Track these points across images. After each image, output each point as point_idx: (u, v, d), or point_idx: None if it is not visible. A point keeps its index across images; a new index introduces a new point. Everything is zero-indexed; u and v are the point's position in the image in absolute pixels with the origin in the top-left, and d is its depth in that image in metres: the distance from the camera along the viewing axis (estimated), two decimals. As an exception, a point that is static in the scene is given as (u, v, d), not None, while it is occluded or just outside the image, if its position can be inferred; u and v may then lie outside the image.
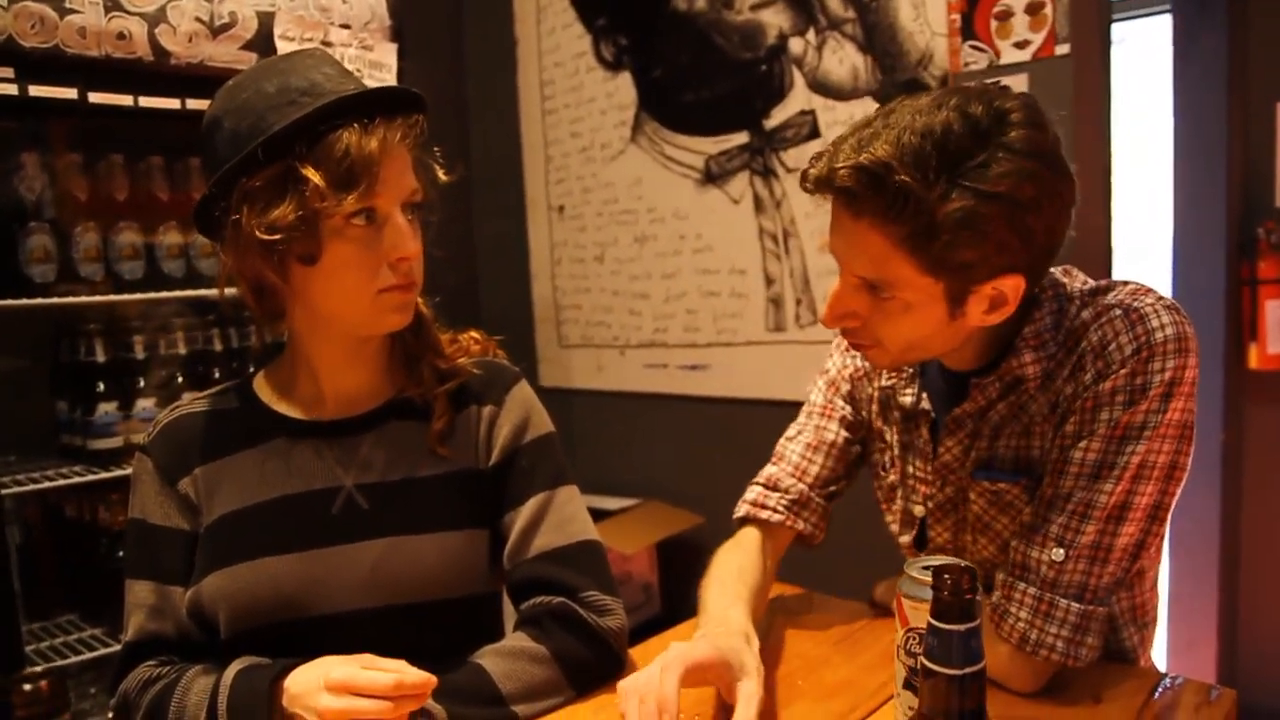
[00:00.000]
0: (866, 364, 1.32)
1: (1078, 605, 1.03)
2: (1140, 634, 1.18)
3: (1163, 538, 1.13)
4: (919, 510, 1.24)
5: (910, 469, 1.25)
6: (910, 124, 0.95)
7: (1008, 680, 1.05)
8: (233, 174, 1.04)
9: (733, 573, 1.22)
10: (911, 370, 1.24)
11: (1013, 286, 1.01)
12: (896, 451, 1.27)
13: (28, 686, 0.62)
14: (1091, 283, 1.14)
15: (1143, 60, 2.71)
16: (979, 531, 1.18)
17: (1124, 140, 2.35)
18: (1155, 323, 1.03)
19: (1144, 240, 2.66)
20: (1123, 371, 1.02)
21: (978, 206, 0.93)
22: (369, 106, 1.05)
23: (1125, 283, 1.10)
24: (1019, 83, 2.25)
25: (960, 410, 1.15)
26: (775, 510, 1.30)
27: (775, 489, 1.32)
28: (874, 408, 1.32)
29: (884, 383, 1.28)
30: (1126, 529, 1.03)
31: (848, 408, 1.33)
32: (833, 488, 1.33)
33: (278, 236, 1.02)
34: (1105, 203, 2.27)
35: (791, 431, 1.37)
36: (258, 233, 1.02)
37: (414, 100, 1.10)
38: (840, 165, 0.96)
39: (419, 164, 1.12)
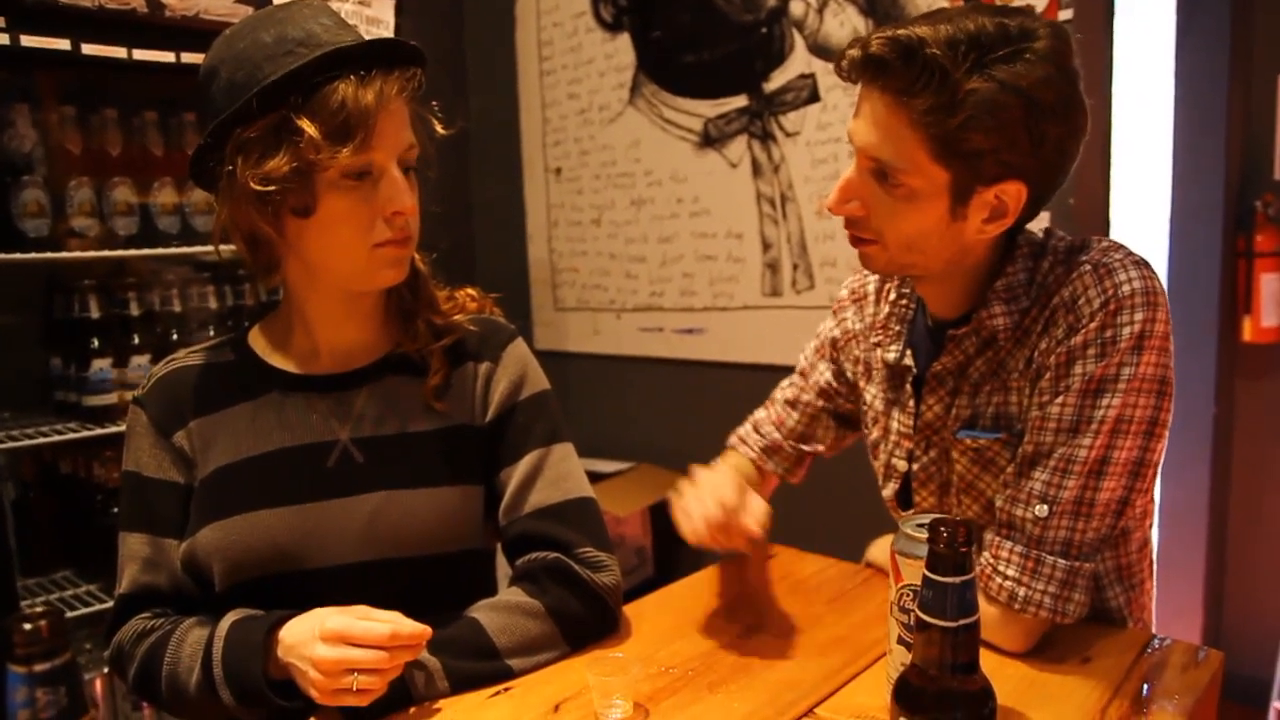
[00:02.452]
0: (860, 324, 1.34)
1: (1064, 561, 1.04)
2: (1126, 595, 1.19)
3: (1148, 497, 1.14)
4: (901, 465, 1.26)
5: (894, 424, 1.27)
6: (948, 19, 1.00)
7: (998, 641, 1.06)
8: (228, 124, 1.03)
9: (724, 466, 1.40)
10: (897, 328, 1.26)
11: (1015, 194, 1.03)
12: (880, 408, 1.30)
13: (28, 626, 0.62)
14: (1069, 238, 1.15)
15: (1144, 30, 2.69)
16: (963, 492, 1.19)
17: (1124, 110, 2.34)
18: (1123, 276, 1.05)
19: (1141, 210, 2.65)
20: (1092, 325, 1.04)
21: (998, 94, 0.97)
22: (366, 59, 1.04)
23: (1099, 240, 1.12)
24: (1021, 48, 2.24)
25: (940, 366, 1.17)
26: (751, 449, 1.47)
27: (757, 431, 1.48)
28: (859, 369, 1.35)
29: (871, 340, 1.32)
30: (1108, 484, 1.05)
31: (828, 373, 1.41)
32: (806, 446, 1.45)
33: (272, 188, 1.02)
34: (1104, 171, 2.27)
35: (784, 382, 1.49)
36: (251, 184, 1.02)
37: (412, 53, 1.08)
38: (876, 39, 1.00)
39: (416, 119, 1.11)
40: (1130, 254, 1.08)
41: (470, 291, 1.29)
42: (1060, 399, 1.06)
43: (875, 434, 1.31)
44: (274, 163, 1.01)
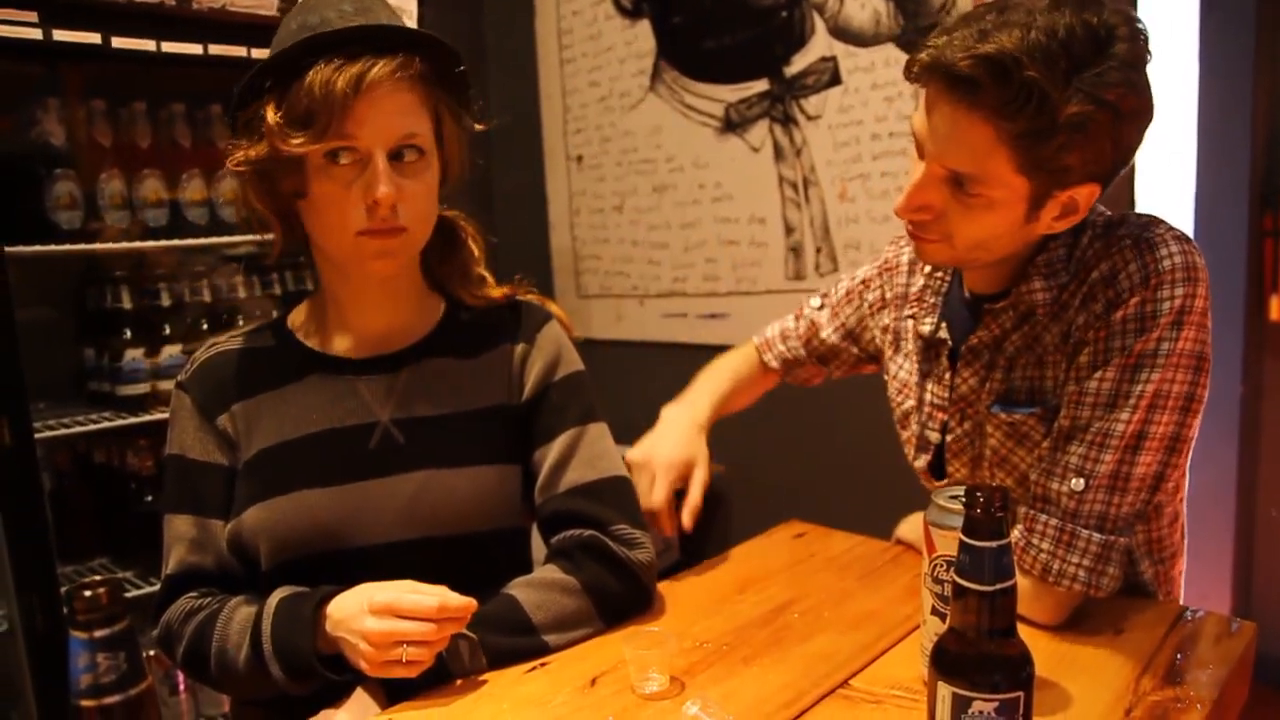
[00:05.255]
0: (890, 293, 1.36)
1: (1099, 535, 1.05)
2: (1156, 568, 1.20)
3: (1182, 472, 1.15)
4: (934, 437, 1.26)
5: (928, 395, 1.27)
6: (1031, 21, 0.94)
7: (1031, 613, 1.07)
8: (231, 109, 1.08)
9: (726, 370, 1.56)
10: (932, 300, 1.26)
11: (1087, 195, 1.03)
12: (914, 380, 1.30)
13: (88, 593, 0.64)
14: (1108, 213, 1.14)
15: (1168, 7, 2.67)
16: (996, 466, 1.19)
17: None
18: (1163, 251, 1.04)
19: (1167, 189, 2.64)
20: (1133, 300, 1.04)
21: (1095, 112, 0.94)
22: (359, 44, 1.03)
23: (1139, 215, 1.11)
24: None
25: (976, 339, 1.17)
26: (775, 357, 1.55)
27: (784, 339, 1.54)
28: (887, 337, 1.35)
29: (905, 313, 1.32)
30: (1144, 458, 1.05)
31: (853, 318, 1.46)
32: (829, 365, 1.52)
33: (244, 169, 1.07)
34: (1129, 149, 2.25)
35: (816, 301, 1.52)
36: (229, 164, 1.07)
37: (410, 39, 1.08)
38: (962, 54, 0.95)
39: (428, 109, 1.10)
40: (1171, 229, 1.08)
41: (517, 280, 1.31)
42: (1099, 373, 1.05)
43: (908, 405, 1.31)
44: (252, 148, 1.05)
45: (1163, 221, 1.09)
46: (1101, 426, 1.05)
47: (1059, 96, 0.93)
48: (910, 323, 1.30)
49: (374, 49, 1.04)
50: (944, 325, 1.23)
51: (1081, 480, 1.05)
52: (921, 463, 1.30)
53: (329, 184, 1.06)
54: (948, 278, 1.26)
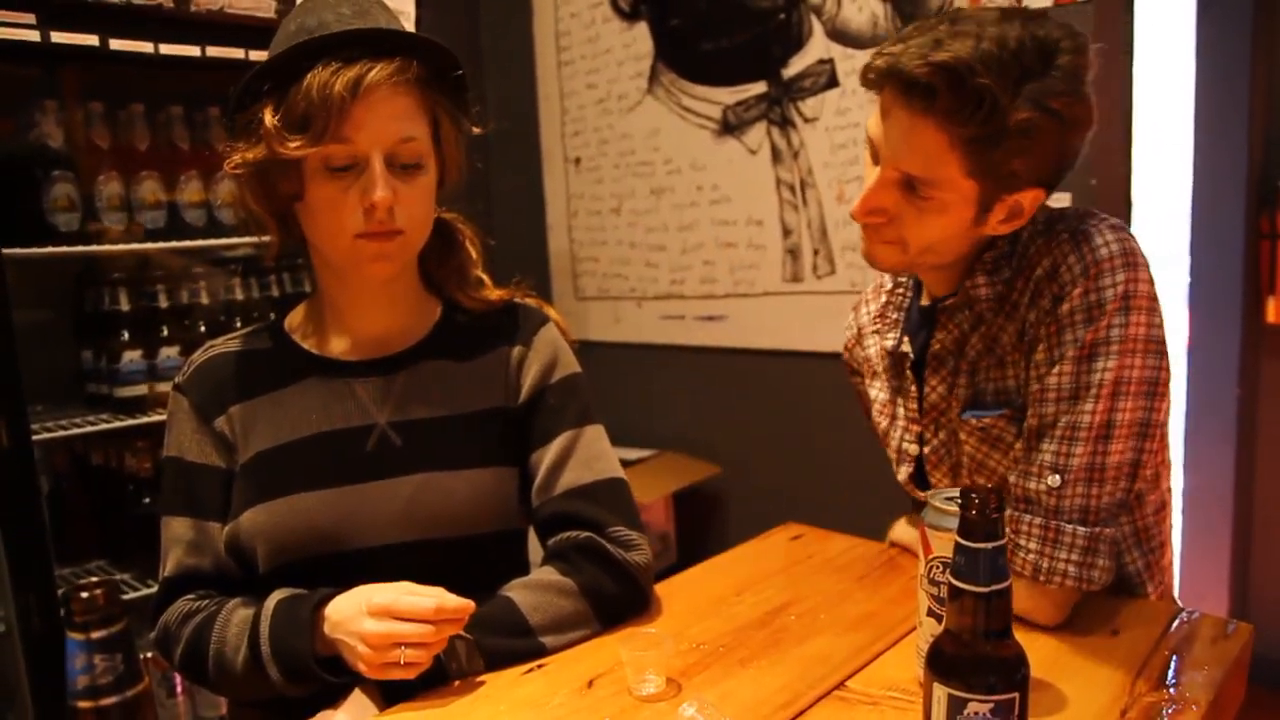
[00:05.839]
0: (859, 324, 1.38)
1: (1083, 528, 1.05)
2: (1145, 558, 1.20)
3: (1161, 459, 1.16)
4: (912, 449, 1.28)
5: (900, 410, 1.29)
6: (982, 32, 0.99)
7: (1032, 614, 1.07)
8: (229, 112, 1.08)
9: None
10: (894, 317, 1.29)
11: (1032, 199, 1.07)
12: (885, 398, 1.32)
13: (85, 594, 0.64)
14: (1049, 209, 1.16)
15: (1165, 6, 2.66)
16: (974, 472, 1.20)
17: (1145, 88, 2.33)
18: (1099, 240, 1.06)
19: (1163, 190, 2.64)
20: (1076, 291, 1.06)
21: (1041, 120, 0.99)
22: (356, 47, 1.04)
23: (1075, 209, 1.14)
24: (1041, 30, 2.23)
25: (937, 344, 1.19)
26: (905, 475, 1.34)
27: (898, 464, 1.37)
28: (865, 368, 1.38)
29: (868, 341, 1.35)
30: (1116, 446, 1.05)
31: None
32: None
33: (241, 172, 1.07)
34: (1126, 150, 2.26)
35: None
36: (226, 167, 1.07)
37: (409, 43, 1.08)
38: (918, 61, 0.98)
39: (426, 112, 1.10)
40: (1106, 218, 1.10)
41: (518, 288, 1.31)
42: (1056, 368, 1.07)
43: (884, 423, 1.33)
44: (249, 150, 1.05)
45: (1096, 213, 1.12)
46: (1069, 420, 1.06)
47: (1009, 103, 0.98)
48: (876, 340, 1.33)
49: (372, 52, 1.04)
50: (905, 339, 1.26)
51: (1057, 476, 1.06)
52: (904, 475, 1.31)
53: (326, 187, 1.06)
54: (908, 294, 1.28)
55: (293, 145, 1.02)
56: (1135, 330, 1.04)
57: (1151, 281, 1.06)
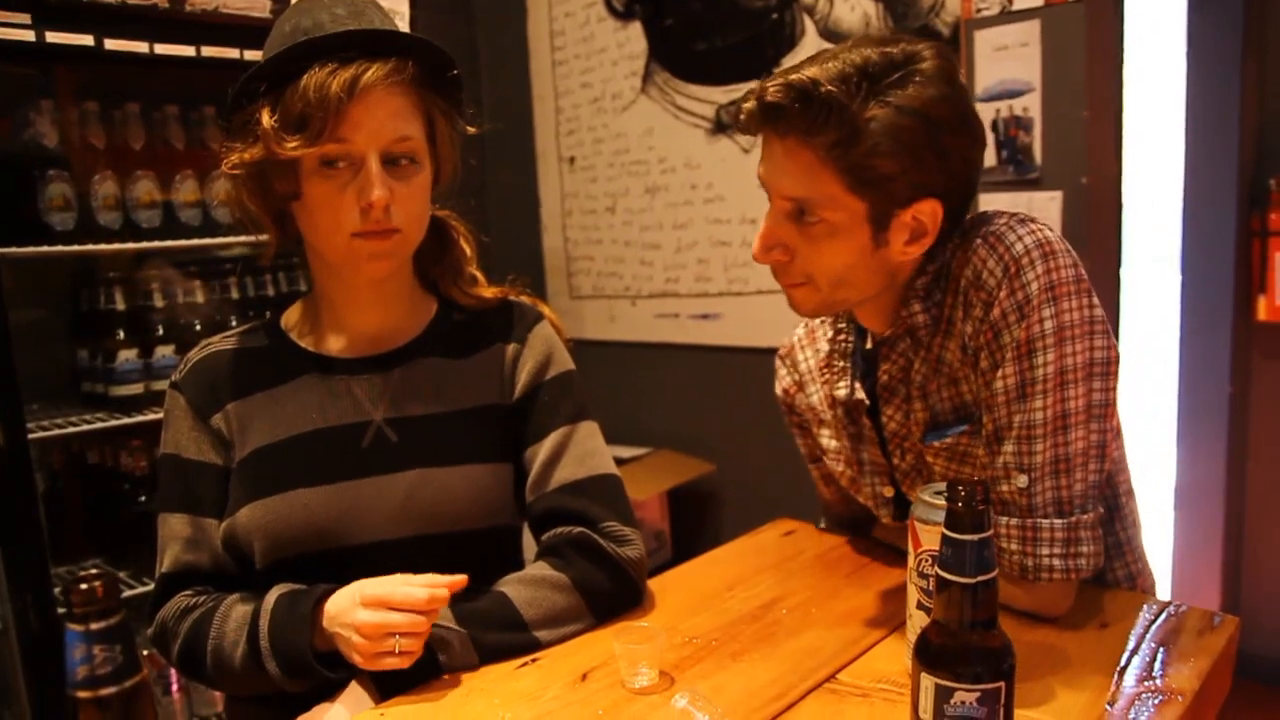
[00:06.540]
0: (798, 374, 1.37)
1: (1059, 520, 1.06)
2: (1120, 534, 1.20)
3: (1116, 433, 1.15)
4: (888, 491, 1.28)
5: (864, 457, 1.28)
6: (833, 56, 1.04)
7: (1038, 611, 1.09)
8: (226, 113, 1.09)
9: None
10: (841, 365, 1.27)
11: (930, 212, 1.06)
12: (845, 447, 1.31)
13: (84, 586, 0.65)
14: (968, 219, 1.16)
15: (1156, 4, 2.68)
16: None
17: (1136, 86, 2.34)
18: (1012, 238, 1.07)
19: (1154, 189, 2.66)
20: (1002, 294, 1.06)
21: (897, 118, 1.01)
22: (351, 48, 1.04)
23: (985, 213, 1.15)
24: (1032, 29, 2.25)
25: (886, 376, 1.19)
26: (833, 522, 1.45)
27: (826, 512, 1.48)
28: (809, 415, 1.37)
29: (819, 382, 1.34)
30: (1076, 435, 1.06)
31: (803, 437, 1.43)
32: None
33: (238, 172, 1.07)
34: (1116, 151, 2.27)
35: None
36: (224, 168, 1.08)
37: (405, 43, 1.08)
38: (773, 88, 1.03)
39: (420, 112, 1.11)
40: (1014, 214, 1.11)
41: (514, 286, 1.32)
42: (1000, 371, 1.08)
43: (850, 473, 1.32)
44: (246, 150, 1.06)
45: (1004, 212, 1.13)
46: (1023, 420, 1.07)
47: (857, 106, 1.01)
48: (821, 390, 1.32)
49: (367, 53, 1.05)
50: (857, 385, 1.24)
51: (1024, 476, 1.07)
52: (885, 516, 1.31)
53: (323, 186, 1.07)
54: (851, 337, 1.27)
55: (290, 145, 1.03)
56: (1066, 317, 1.05)
57: (1074, 265, 1.07)
